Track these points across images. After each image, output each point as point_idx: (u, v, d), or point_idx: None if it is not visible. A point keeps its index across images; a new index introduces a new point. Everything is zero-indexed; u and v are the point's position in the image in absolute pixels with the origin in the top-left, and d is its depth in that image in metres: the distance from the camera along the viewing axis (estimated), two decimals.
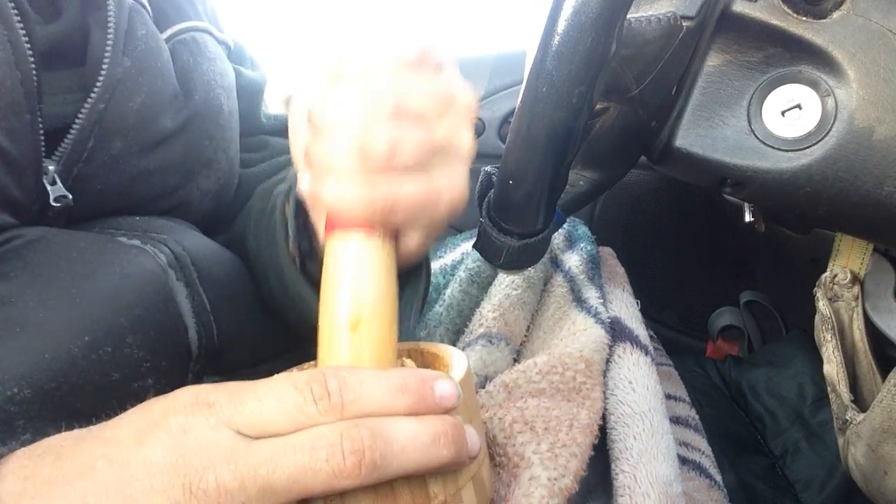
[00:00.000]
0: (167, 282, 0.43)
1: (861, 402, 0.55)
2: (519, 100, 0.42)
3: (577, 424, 0.43)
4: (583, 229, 0.74)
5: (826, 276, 0.58)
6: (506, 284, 0.64)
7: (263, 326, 0.51)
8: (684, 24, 0.46)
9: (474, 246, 0.51)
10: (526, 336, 0.61)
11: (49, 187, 0.42)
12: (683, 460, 0.57)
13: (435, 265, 0.73)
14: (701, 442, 0.61)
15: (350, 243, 0.35)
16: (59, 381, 0.37)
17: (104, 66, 0.44)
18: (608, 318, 0.58)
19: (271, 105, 0.66)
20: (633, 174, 1.06)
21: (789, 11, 0.45)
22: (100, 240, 0.43)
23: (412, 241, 0.38)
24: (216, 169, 0.53)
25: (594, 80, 0.40)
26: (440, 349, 0.40)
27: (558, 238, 0.73)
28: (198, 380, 0.45)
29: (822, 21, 0.44)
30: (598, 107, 0.51)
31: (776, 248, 0.92)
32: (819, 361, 0.58)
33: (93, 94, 0.44)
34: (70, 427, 0.32)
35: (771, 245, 0.92)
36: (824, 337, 0.57)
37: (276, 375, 0.36)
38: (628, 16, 0.45)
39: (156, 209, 0.49)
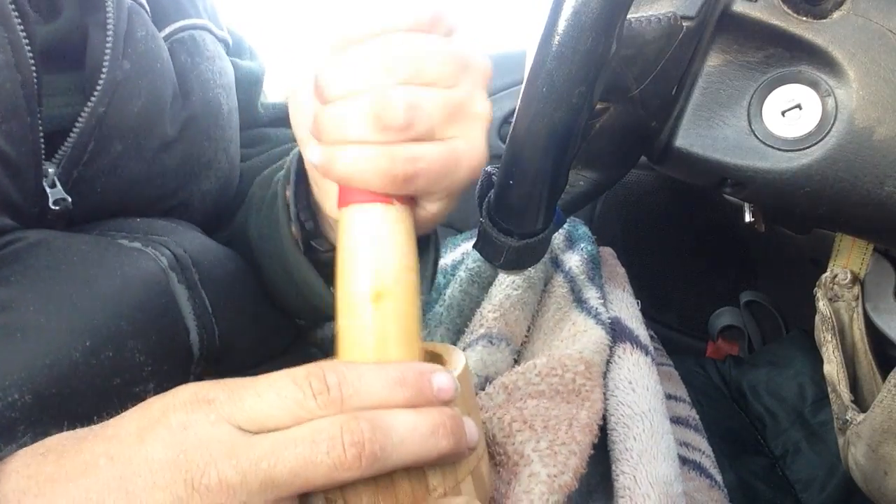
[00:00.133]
0: (169, 284, 0.43)
1: (861, 403, 0.55)
2: (519, 100, 0.42)
3: (576, 423, 0.44)
4: (583, 229, 0.74)
5: (826, 276, 0.58)
6: (506, 285, 0.64)
7: (265, 326, 0.51)
8: (684, 24, 0.46)
9: (474, 246, 0.51)
10: (526, 336, 0.61)
11: (48, 190, 0.42)
12: (684, 460, 0.57)
13: None
14: (701, 442, 0.61)
15: (368, 213, 0.34)
16: (59, 387, 0.36)
17: (104, 70, 0.44)
18: (608, 318, 0.58)
19: (270, 94, 0.66)
20: (633, 174, 1.06)
21: (789, 11, 0.45)
22: (101, 242, 0.43)
23: (432, 208, 0.37)
24: (216, 169, 0.53)
25: (594, 80, 0.40)
26: (438, 348, 0.40)
27: (558, 238, 0.73)
28: (198, 381, 0.45)
29: (822, 21, 0.44)
30: (598, 107, 0.51)
31: (776, 248, 0.92)
32: (819, 361, 0.58)
33: (93, 98, 0.44)
34: (71, 429, 0.32)
35: (771, 245, 0.92)
36: (824, 337, 0.57)
37: (274, 372, 0.36)
38: (628, 16, 0.45)
39: (156, 210, 0.49)
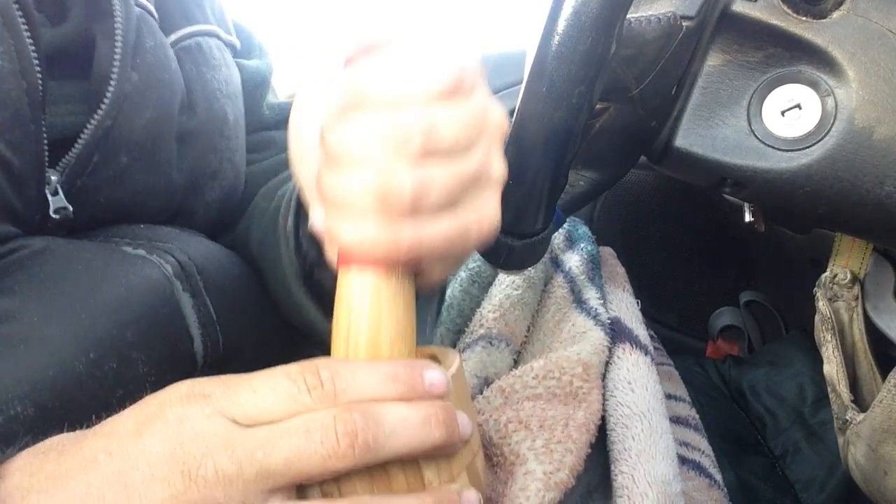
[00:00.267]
0: (173, 293, 0.42)
1: (861, 402, 0.55)
2: (519, 100, 0.42)
3: (572, 423, 0.44)
4: (583, 229, 0.74)
5: (826, 276, 0.58)
6: (506, 284, 0.64)
7: (268, 331, 0.51)
8: (684, 24, 0.46)
9: None
10: (526, 337, 0.61)
11: (50, 198, 0.41)
12: (683, 460, 0.57)
13: None
14: (701, 441, 0.61)
15: (367, 279, 0.33)
16: (62, 400, 0.36)
17: (112, 82, 0.43)
18: (608, 318, 0.58)
19: (279, 92, 0.65)
20: (633, 174, 1.06)
21: (789, 11, 0.45)
22: (105, 250, 0.42)
23: (435, 275, 0.36)
24: (221, 179, 0.53)
25: (594, 80, 0.40)
26: (435, 350, 0.40)
27: (558, 238, 0.73)
28: None
29: (822, 21, 0.44)
30: (598, 107, 0.51)
31: (776, 248, 0.92)
32: (819, 361, 0.58)
33: (99, 111, 0.43)
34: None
35: (771, 245, 0.92)
36: (824, 337, 0.57)
37: (269, 368, 0.36)
38: (628, 16, 0.45)
39: (159, 219, 0.49)
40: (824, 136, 0.44)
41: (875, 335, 0.55)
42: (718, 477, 0.57)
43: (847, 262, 0.58)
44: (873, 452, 0.50)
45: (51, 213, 0.41)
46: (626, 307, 0.63)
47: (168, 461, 0.28)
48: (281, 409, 0.29)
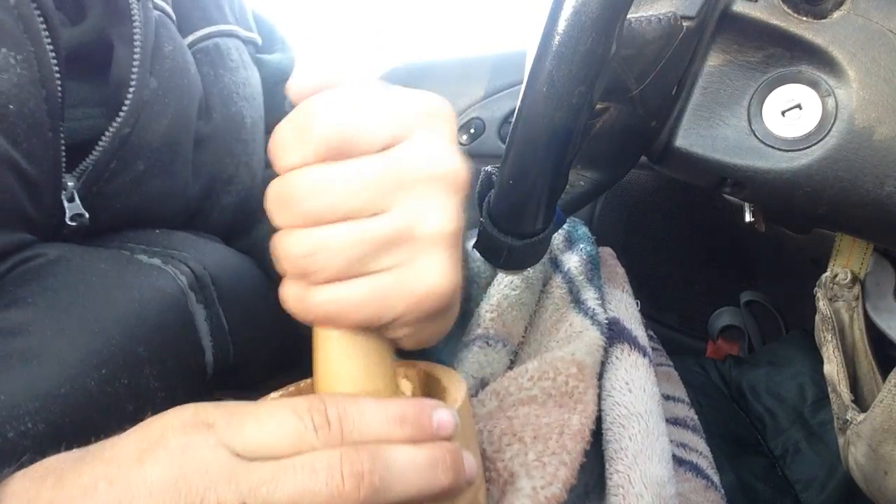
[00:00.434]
0: (187, 305, 0.42)
1: (861, 402, 0.55)
2: (519, 100, 0.42)
3: (567, 431, 0.43)
4: (583, 230, 0.74)
5: (826, 276, 0.58)
6: (504, 285, 0.64)
7: (280, 341, 0.50)
8: (684, 24, 0.46)
9: (474, 246, 0.51)
10: (523, 337, 0.61)
11: (66, 204, 0.41)
12: (680, 461, 0.56)
13: None
14: (699, 442, 0.61)
15: (331, 333, 0.33)
16: (73, 416, 0.36)
17: (131, 89, 0.42)
18: (606, 319, 0.58)
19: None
20: (633, 174, 1.06)
21: (789, 11, 0.45)
22: (120, 260, 0.42)
23: (399, 336, 0.34)
24: (237, 184, 0.52)
25: (594, 80, 0.40)
26: (438, 371, 0.39)
27: (558, 238, 0.73)
28: (208, 396, 0.44)
29: (822, 21, 0.44)
30: (598, 107, 0.51)
31: (776, 248, 0.92)
32: (819, 361, 0.58)
33: (118, 119, 0.42)
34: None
35: (771, 245, 0.92)
36: (824, 337, 0.57)
37: (273, 398, 0.36)
38: (628, 16, 0.45)
39: (174, 223, 0.48)
40: (825, 136, 0.44)
41: (875, 335, 0.55)
42: (716, 478, 0.57)
43: (847, 262, 0.58)
44: (874, 452, 0.50)
45: (67, 219, 0.41)
46: (625, 308, 0.63)
47: (170, 491, 0.28)
48: (286, 446, 0.29)
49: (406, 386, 0.38)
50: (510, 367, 0.57)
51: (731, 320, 1.01)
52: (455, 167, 0.31)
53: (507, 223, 0.47)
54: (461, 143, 1.17)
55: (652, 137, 0.51)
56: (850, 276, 0.56)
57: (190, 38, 0.50)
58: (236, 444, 0.29)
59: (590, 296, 0.61)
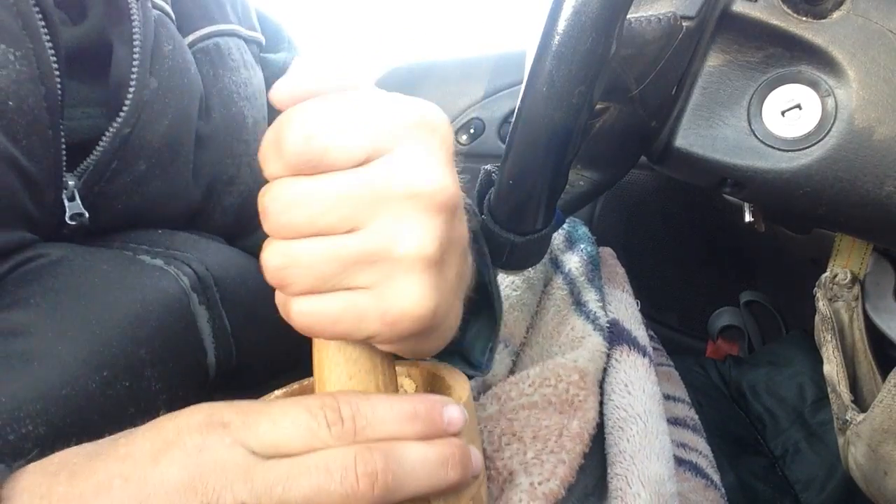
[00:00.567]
0: (189, 307, 0.42)
1: (861, 402, 0.55)
2: (519, 100, 0.42)
3: (566, 433, 0.43)
4: (583, 230, 0.74)
5: (826, 276, 0.58)
6: (505, 285, 0.64)
7: (283, 341, 0.50)
8: (684, 24, 0.46)
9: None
10: (525, 338, 0.61)
11: (67, 203, 0.40)
12: (680, 461, 0.57)
13: None
14: (699, 442, 0.61)
15: (325, 343, 0.34)
16: (74, 418, 0.35)
17: (130, 89, 0.42)
18: (607, 322, 0.58)
19: None
20: (633, 174, 1.06)
21: (789, 11, 0.45)
22: (122, 261, 0.41)
23: (387, 349, 0.34)
24: (239, 184, 0.52)
25: (594, 80, 0.40)
26: (440, 369, 0.39)
27: (558, 239, 0.73)
28: (209, 398, 0.44)
29: (822, 21, 0.44)
30: (598, 107, 0.51)
31: (776, 248, 0.92)
32: (819, 361, 0.58)
33: (118, 119, 0.42)
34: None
35: (771, 245, 0.92)
36: (824, 337, 0.57)
37: (276, 396, 0.36)
38: (628, 16, 0.45)
39: (176, 224, 0.48)
40: (824, 136, 0.44)
41: (875, 335, 0.55)
42: (716, 478, 0.57)
43: (847, 262, 0.58)
44: (873, 452, 0.50)
45: (67, 219, 0.41)
46: (625, 308, 0.63)
47: (186, 491, 0.28)
48: (299, 444, 0.29)
49: (409, 385, 0.39)
50: (511, 368, 0.57)
51: (731, 320, 1.01)
52: (437, 184, 0.29)
53: (506, 223, 0.47)
54: (461, 143, 1.17)
55: (652, 137, 0.51)
56: (849, 276, 0.56)
57: (190, 38, 0.50)
58: (252, 442, 0.29)
59: (591, 297, 0.61)
